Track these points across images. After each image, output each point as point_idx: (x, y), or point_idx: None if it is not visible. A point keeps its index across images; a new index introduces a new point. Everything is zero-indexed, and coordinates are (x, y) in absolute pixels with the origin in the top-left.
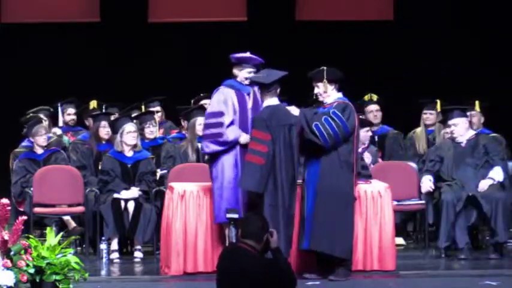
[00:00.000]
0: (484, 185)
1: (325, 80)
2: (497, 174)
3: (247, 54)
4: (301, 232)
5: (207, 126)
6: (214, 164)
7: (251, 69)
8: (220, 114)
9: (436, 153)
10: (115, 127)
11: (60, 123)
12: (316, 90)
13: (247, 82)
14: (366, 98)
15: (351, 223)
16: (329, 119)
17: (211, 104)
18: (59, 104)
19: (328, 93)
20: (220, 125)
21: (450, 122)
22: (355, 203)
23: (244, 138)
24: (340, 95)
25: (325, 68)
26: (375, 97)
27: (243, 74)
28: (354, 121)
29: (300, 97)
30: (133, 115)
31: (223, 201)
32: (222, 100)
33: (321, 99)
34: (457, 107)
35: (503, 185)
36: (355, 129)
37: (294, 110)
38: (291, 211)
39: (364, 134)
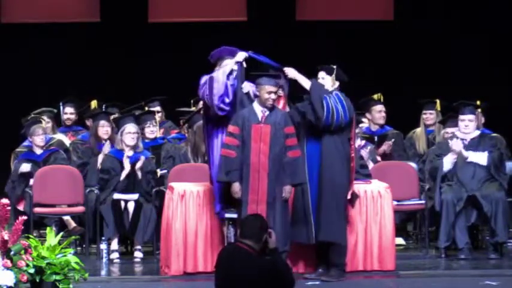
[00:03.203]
0: (464, 153)
1: (334, 76)
2: (481, 157)
3: (221, 48)
4: (307, 227)
5: (208, 92)
6: (211, 162)
7: (229, 60)
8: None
9: (437, 152)
10: (117, 125)
11: (63, 121)
12: (320, 81)
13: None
14: (376, 97)
15: (345, 212)
16: (334, 98)
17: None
18: (60, 104)
19: (331, 89)
20: (211, 77)
21: (465, 117)
22: (355, 199)
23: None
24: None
25: (336, 66)
26: (382, 98)
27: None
28: (352, 112)
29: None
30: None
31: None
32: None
33: None
34: (470, 103)
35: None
36: (353, 123)
37: (290, 71)
38: None
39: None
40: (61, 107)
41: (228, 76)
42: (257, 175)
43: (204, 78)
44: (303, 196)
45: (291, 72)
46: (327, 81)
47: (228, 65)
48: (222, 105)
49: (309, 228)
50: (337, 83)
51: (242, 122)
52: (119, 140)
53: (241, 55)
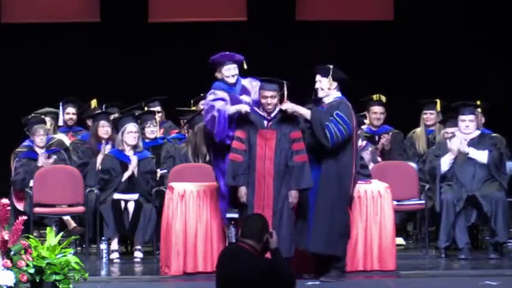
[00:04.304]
0: (463, 147)
1: (330, 77)
2: (481, 154)
3: (221, 53)
4: (304, 233)
5: (210, 127)
6: (216, 166)
7: (230, 66)
8: (212, 106)
9: (436, 152)
10: (117, 125)
11: (61, 123)
12: (318, 85)
13: (231, 80)
14: (375, 97)
15: (348, 221)
16: (335, 120)
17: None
18: (60, 103)
19: (330, 92)
20: (213, 106)
21: (465, 117)
22: (352, 202)
23: (243, 107)
24: (339, 94)
25: (332, 66)
26: (383, 98)
27: (224, 73)
28: (353, 123)
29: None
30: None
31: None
32: (216, 98)
33: (321, 94)
34: (470, 103)
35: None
36: (354, 130)
37: (289, 106)
38: None
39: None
40: (61, 107)
41: (230, 116)
42: (263, 180)
43: (207, 104)
44: (303, 204)
45: (290, 107)
46: (324, 83)
47: (233, 107)
48: (225, 141)
49: (308, 236)
50: (334, 84)
51: (248, 126)
52: (119, 140)
53: (244, 107)
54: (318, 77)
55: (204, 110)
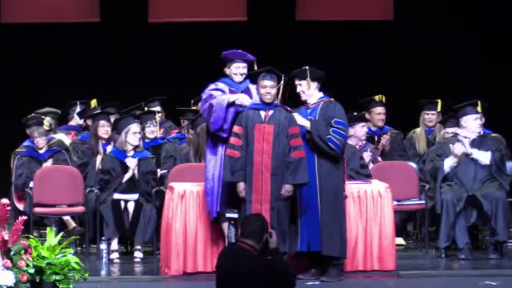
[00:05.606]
0: (469, 149)
1: (308, 78)
2: (484, 155)
3: (233, 50)
4: (295, 235)
5: (207, 116)
6: (206, 164)
7: (240, 64)
8: (210, 95)
9: (438, 152)
10: (118, 126)
11: (79, 121)
12: (298, 89)
13: (238, 78)
14: (377, 98)
15: (344, 221)
16: (335, 129)
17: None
18: (78, 103)
19: (311, 92)
20: (211, 96)
21: (477, 115)
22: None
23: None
24: (321, 94)
25: (307, 67)
26: (384, 99)
27: (232, 69)
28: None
29: (299, 97)
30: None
31: (214, 199)
32: (215, 88)
33: (303, 97)
34: (473, 101)
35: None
36: None
37: (298, 117)
38: None
39: (361, 129)
40: (78, 106)
41: (229, 105)
42: (260, 175)
43: (206, 93)
44: (294, 202)
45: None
46: (304, 86)
47: (232, 97)
48: (219, 133)
49: (297, 236)
50: (315, 84)
51: (246, 121)
52: (122, 141)
53: (246, 100)
54: (297, 81)
55: (202, 99)
